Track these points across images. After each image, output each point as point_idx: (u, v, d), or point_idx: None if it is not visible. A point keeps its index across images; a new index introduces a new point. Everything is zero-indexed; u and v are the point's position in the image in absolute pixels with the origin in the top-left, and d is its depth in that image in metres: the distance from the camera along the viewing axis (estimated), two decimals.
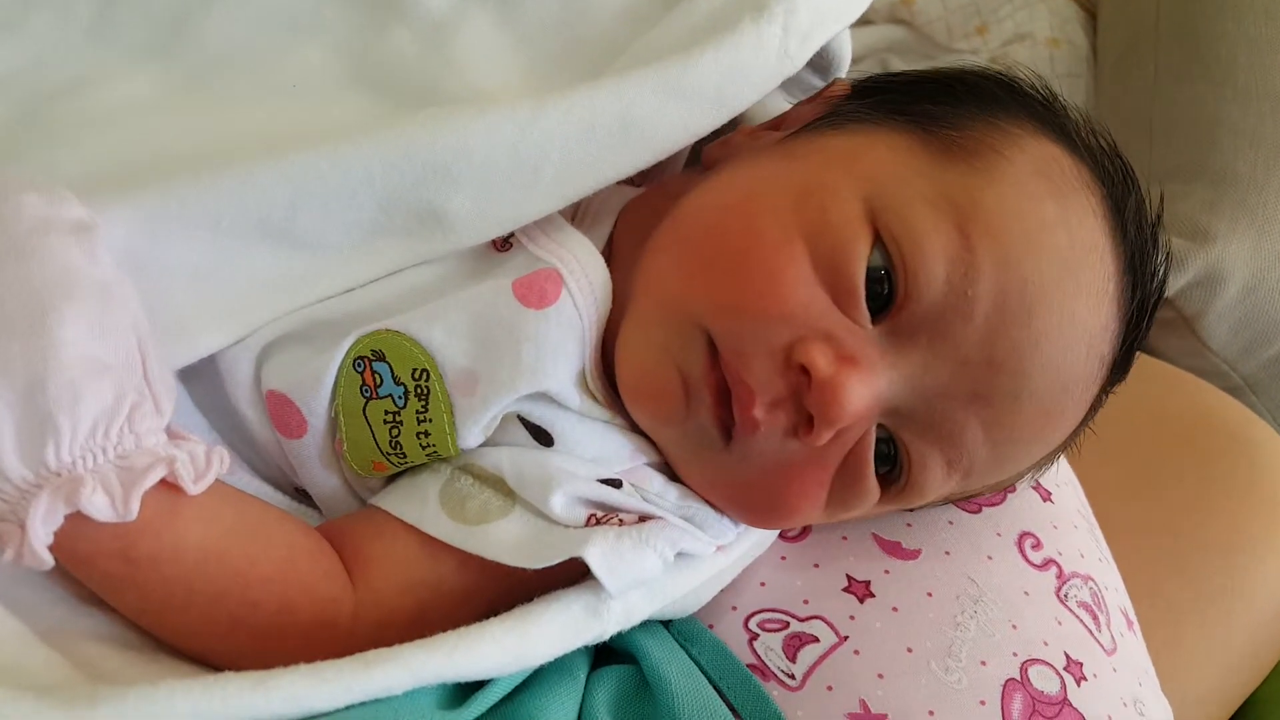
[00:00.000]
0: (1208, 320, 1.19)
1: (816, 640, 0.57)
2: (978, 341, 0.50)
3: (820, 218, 0.51)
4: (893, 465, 0.54)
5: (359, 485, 0.57)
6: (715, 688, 0.55)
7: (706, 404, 0.51)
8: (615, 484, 0.54)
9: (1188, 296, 1.18)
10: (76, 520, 0.42)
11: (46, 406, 0.42)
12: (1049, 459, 0.61)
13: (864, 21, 1.61)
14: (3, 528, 0.42)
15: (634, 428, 0.56)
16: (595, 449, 0.54)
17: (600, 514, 0.52)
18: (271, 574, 0.49)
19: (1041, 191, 0.52)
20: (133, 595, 0.48)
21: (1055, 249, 0.51)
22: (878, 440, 0.53)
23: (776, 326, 0.50)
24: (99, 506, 0.42)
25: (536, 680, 0.52)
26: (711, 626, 0.58)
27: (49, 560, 0.42)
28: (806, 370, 0.49)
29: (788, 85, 0.68)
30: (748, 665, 0.56)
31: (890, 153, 0.53)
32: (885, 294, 0.50)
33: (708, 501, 0.56)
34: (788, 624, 0.58)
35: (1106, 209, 0.53)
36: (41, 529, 0.42)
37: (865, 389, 0.49)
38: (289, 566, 0.50)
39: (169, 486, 0.45)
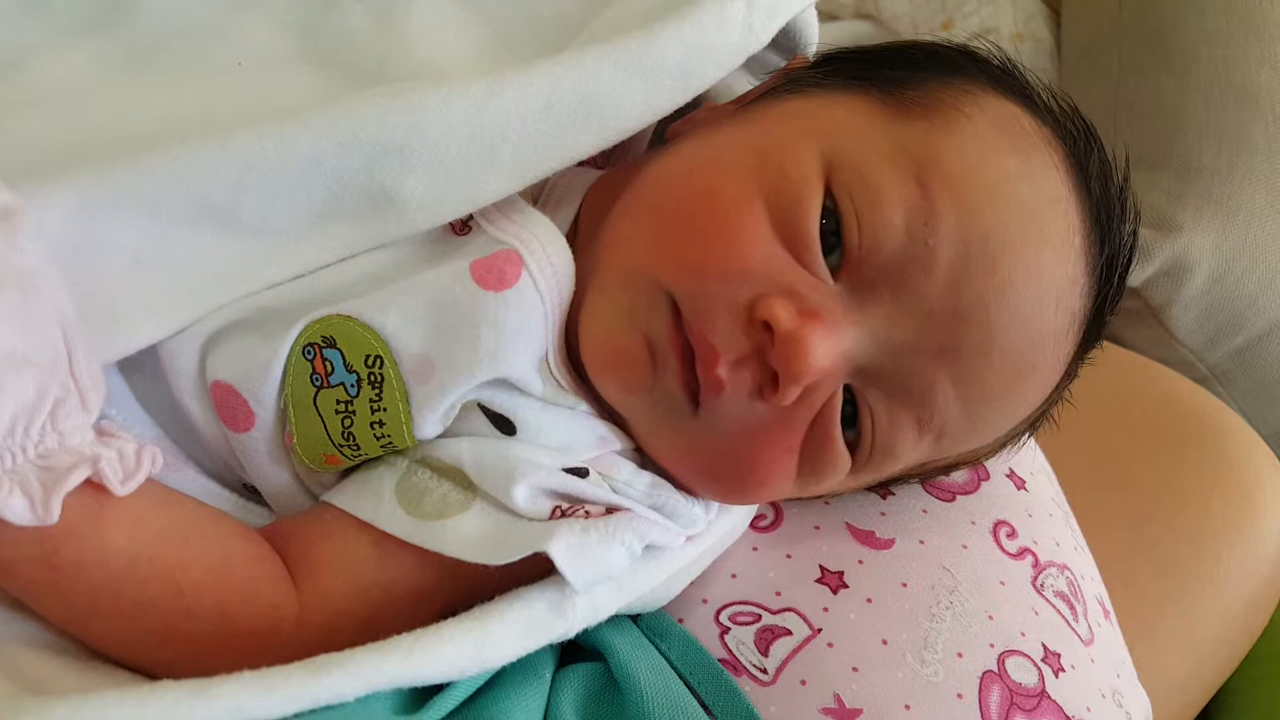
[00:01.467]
0: (1174, 310, 1.19)
1: (789, 633, 0.56)
2: (941, 293, 0.49)
3: (779, 174, 0.50)
4: (863, 426, 0.52)
5: (310, 480, 0.54)
6: (686, 684, 0.53)
7: (672, 368, 0.50)
8: (582, 473, 0.52)
9: (1154, 286, 1.18)
10: None
11: None
12: (1023, 428, 0.59)
13: (830, 17, 1.61)
14: None
15: (601, 414, 0.54)
16: (560, 437, 0.53)
17: (565, 506, 0.50)
18: (206, 580, 0.46)
19: (1002, 145, 0.51)
20: (58, 603, 0.45)
21: (1018, 199, 0.50)
22: (845, 404, 0.52)
23: (738, 284, 0.49)
24: (17, 510, 0.40)
25: (499, 680, 0.50)
26: (681, 620, 0.57)
27: None
28: (770, 327, 0.48)
29: (753, 69, 0.67)
30: (719, 660, 0.55)
31: (848, 113, 0.53)
32: (839, 246, 0.49)
33: (677, 484, 0.54)
34: (760, 617, 0.57)
35: (1069, 165, 0.53)
36: None
37: (829, 343, 0.48)
38: (225, 572, 0.47)
39: (95, 488, 0.43)
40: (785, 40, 0.63)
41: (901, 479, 0.62)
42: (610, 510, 0.51)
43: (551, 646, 0.53)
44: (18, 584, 0.45)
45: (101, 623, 0.46)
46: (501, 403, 0.52)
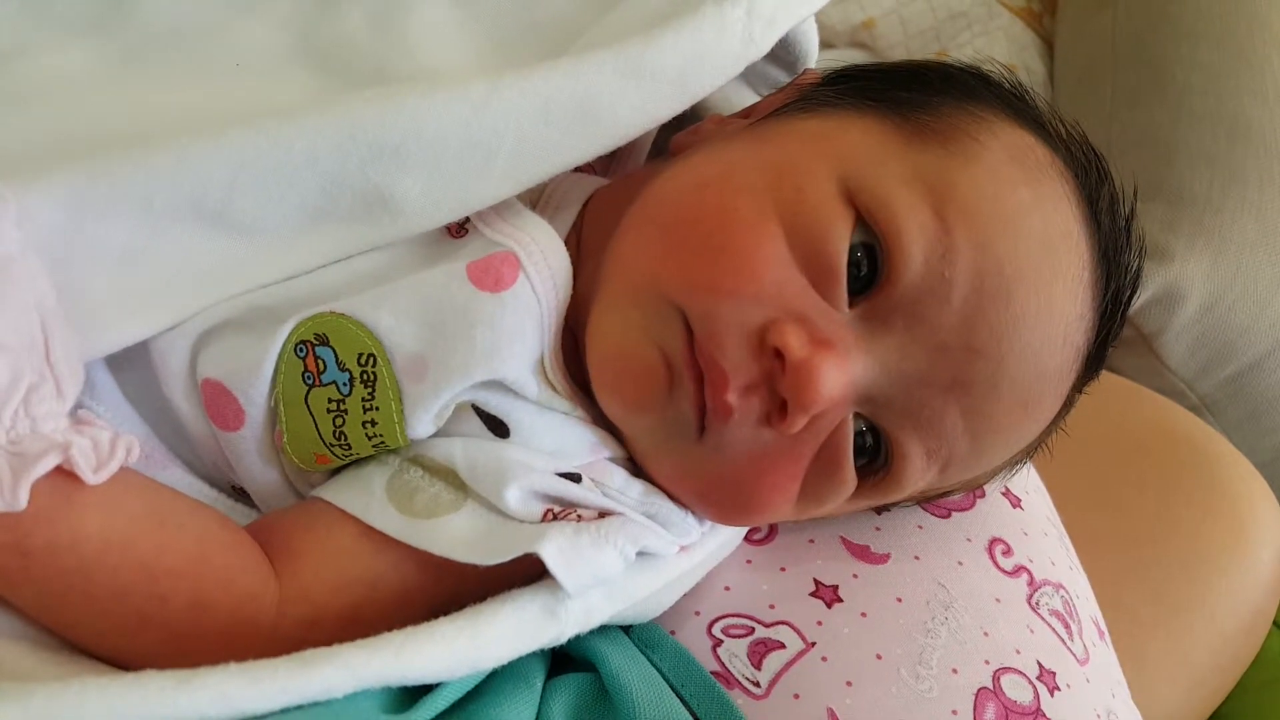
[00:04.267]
0: (1166, 338, 1.20)
1: (783, 646, 0.55)
2: (955, 326, 0.49)
3: (796, 197, 0.49)
4: (874, 456, 0.52)
5: (299, 480, 0.54)
6: (678, 695, 0.52)
7: (687, 389, 0.49)
8: (574, 478, 0.51)
9: (1146, 314, 1.19)
10: None
11: None
12: (1020, 458, 0.59)
13: (824, 45, 1.62)
14: None
15: (595, 420, 0.53)
16: (554, 441, 0.52)
17: (558, 509, 0.50)
18: (181, 566, 0.46)
19: (1016, 177, 0.51)
20: (30, 590, 0.44)
21: (1030, 233, 0.50)
22: (857, 430, 0.51)
23: (750, 307, 0.48)
24: None
25: (490, 687, 0.49)
26: (673, 633, 0.56)
27: None
28: (780, 354, 0.47)
29: (755, 82, 0.67)
30: (712, 672, 0.54)
31: (864, 135, 0.52)
32: (866, 275, 0.49)
33: (673, 498, 0.53)
34: (753, 630, 0.56)
35: (1079, 197, 0.52)
36: None
37: (840, 373, 0.48)
38: (200, 558, 0.46)
39: (68, 475, 0.42)
40: (784, 53, 0.63)
41: (898, 502, 0.62)
42: (603, 514, 0.50)
43: (542, 655, 0.52)
44: None
45: (74, 611, 0.45)
46: (496, 404, 0.51)
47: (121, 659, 0.46)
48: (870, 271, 0.49)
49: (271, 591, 0.48)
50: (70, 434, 0.42)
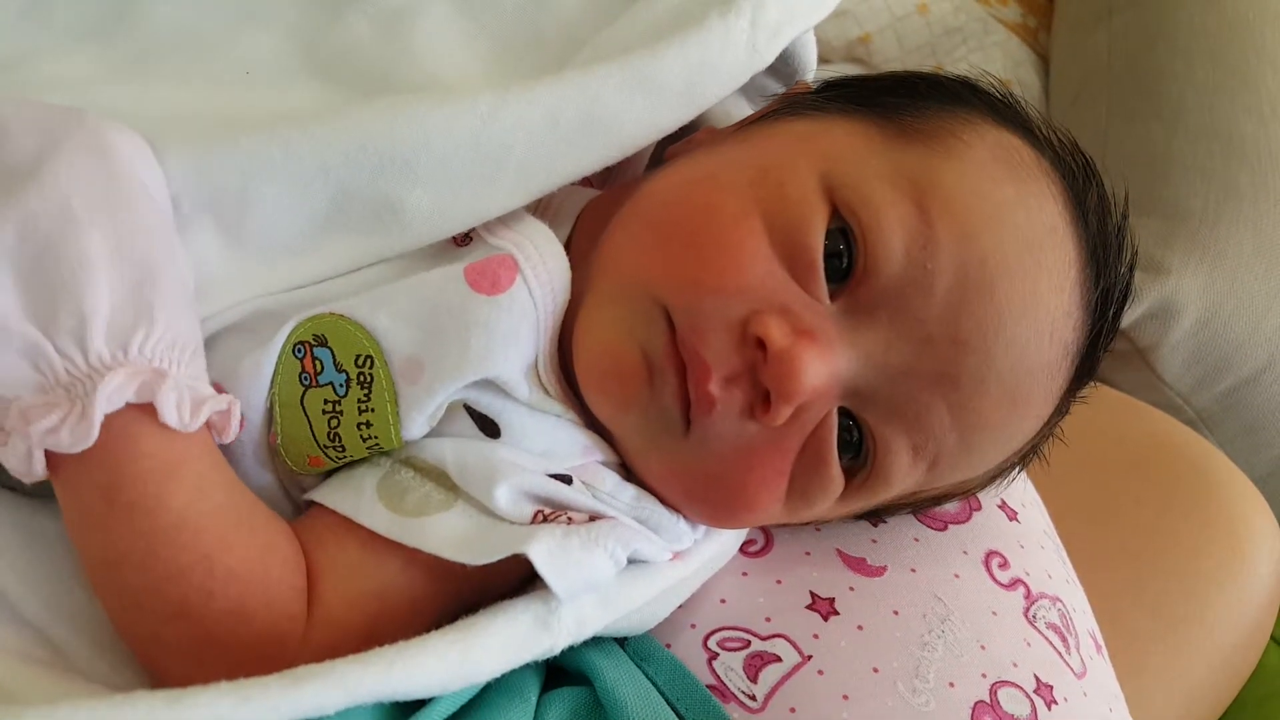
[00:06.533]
0: (1162, 353, 1.20)
1: (779, 660, 0.55)
2: (940, 318, 0.49)
3: (777, 193, 0.50)
4: (857, 451, 0.52)
5: (292, 484, 0.53)
6: (673, 709, 0.52)
7: (670, 384, 0.49)
8: (565, 480, 0.51)
9: (1142, 329, 1.19)
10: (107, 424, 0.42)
11: (151, 298, 0.44)
12: (1014, 461, 0.59)
13: (821, 60, 1.62)
14: (51, 396, 0.42)
15: (588, 424, 0.53)
16: (545, 443, 0.52)
17: (548, 511, 0.50)
18: (239, 569, 0.46)
19: (1000, 174, 0.51)
20: (99, 538, 0.46)
21: (1015, 227, 0.50)
22: (841, 426, 0.51)
23: (733, 300, 0.48)
24: (169, 406, 0.43)
25: (484, 701, 0.48)
26: (669, 645, 0.56)
27: (94, 434, 0.42)
28: (763, 344, 0.47)
29: (752, 95, 0.67)
30: (707, 686, 0.54)
31: (848, 135, 0.53)
32: (844, 267, 0.49)
33: (664, 501, 0.53)
34: (749, 643, 0.56)
35: (1066, 197, 0.53)
36: (106, 405, 0.42)
37: (822, 364, 0.48)
38: (259, 567, 0.47)
39: (176, 450, 0.45)
40: (782, 65, 0.63)
41: (890, 508, 0.62)
42: (594, 518, 0.50)
43: (536, 669, 0.52)
44: (75, 505, 0.46)
45: (127, 575, 0.45)
46: (487, 404, 0.51)
47: (143, 650, 0.47)
48: (849, 264, 0.49)
49: (304, 617, 0.48)
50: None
